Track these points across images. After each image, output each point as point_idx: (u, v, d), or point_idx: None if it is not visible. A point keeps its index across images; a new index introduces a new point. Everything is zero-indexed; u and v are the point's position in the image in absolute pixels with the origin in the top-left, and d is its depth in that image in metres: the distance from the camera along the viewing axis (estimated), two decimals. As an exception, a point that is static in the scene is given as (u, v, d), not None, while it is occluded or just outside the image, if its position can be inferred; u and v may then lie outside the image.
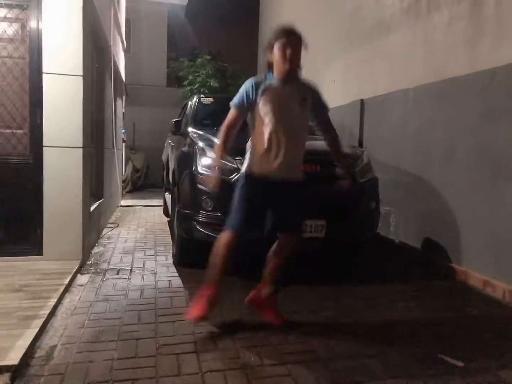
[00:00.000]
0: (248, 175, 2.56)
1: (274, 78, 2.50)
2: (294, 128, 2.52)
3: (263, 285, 2.71)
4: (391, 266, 4.22)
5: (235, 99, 2.54)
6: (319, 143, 4.15)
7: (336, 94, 6.72)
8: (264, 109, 2.45)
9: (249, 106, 2.50)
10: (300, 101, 2.51)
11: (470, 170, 3.74)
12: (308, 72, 8.65)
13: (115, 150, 6.32)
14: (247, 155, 2.62)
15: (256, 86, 2.48)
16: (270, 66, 2.52)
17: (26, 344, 2.16)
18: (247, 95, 2.49)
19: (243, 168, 2.62)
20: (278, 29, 2.49)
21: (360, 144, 5.68)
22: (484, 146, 3.60)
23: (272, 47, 2.46)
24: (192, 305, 2.58)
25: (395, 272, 4.01)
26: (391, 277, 3.80)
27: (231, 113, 2.57)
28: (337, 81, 6.76)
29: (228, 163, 3.29)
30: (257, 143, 2.53)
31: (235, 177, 3.23)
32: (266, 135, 2.46)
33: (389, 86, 5.12)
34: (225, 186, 2.96)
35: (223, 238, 2.55)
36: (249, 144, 2.63)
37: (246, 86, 2.52)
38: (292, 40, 2.43)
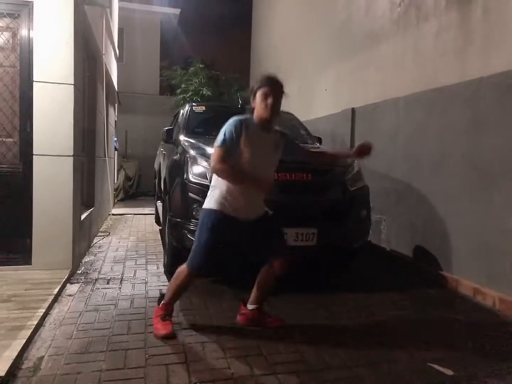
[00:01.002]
0: (218, 212, 2.46)
1: (254, 122, 2.51)
2: (266, 171, 2.55)
3: (252, 299, 2.76)
4: (382, 274, 4.23)
5: (222, 139, 2.39)
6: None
7: (327, 103, 6.78)
8: (243, 150, 2.42)
9: (235, 145, 2.41)
10: (274, 147, 2.58)
11: (460, 178, 3.78)
12: (300, 81, 8.77)
13: (107, 158, 6.30)
14: (214, 191, 2.52)
15: (241, 125, 2.42)
16: (252, 110, 2.53)
17: (13, 355, 2.13)
18: (236, 135, 2.39)
19: (209, 204, 2.51)
20: (261, 77, 2.53)
21: (352, 152, 5.71)
22: (473, 154, 3.64)
23: (255, 93, 2.49)
24: (155, 325, 2.61)
25: (386, 280, 4.01)
26: (382, 285, 3.81)
27: (220, 154, 2.39)
28: (329, 90, 6.82)
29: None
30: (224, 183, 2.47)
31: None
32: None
33: (380, 95, 5.17)
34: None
35: (182, 272, 2.59)
36: (216, 179, 2.52)
37: (233, 125, 2.42)
38: (274, 89, 2.46)
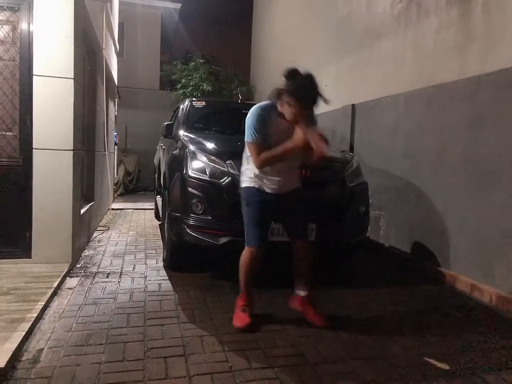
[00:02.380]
0: (255, 189, 2.65)
1: (276, 111, 2.57)
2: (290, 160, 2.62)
3: (296, 284, 2.86)
4: (381, 270, 4.25)
5: (252, 134, 2.54)
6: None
7: (328, 99, 6.76)
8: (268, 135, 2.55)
9: (263, 135, 2.55)
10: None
11: (459, 175, 3.79)
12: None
13: (107, 153, 6.30)
14: (247, 172, 2.69)
15: (264, 112, 2.56)
16: (279, 96, 2.53)
17: (13, 347, 2.15)
18: (261, 126, 2.53)
19: (246, 183, 2.69)
20: (300, 83, 2.47)
21: (351, 148, 5.72)
22: (472, 152, 3.65)
23: (292, 95, 2.44)
24: (234, 316, 2.71)
25: (384, 276, 4.03)
26: (380, 281, 3.83)
27: (255, 149, 2.55)
28: (329, 86, 6.79)
29: (219, 167, 3.31)
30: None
31: (226, 181, 3.25)
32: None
33: (380, 91, 5.17)
34: (216, 189, 2.98)
35: (244, 255, 2.69)
36: (247, 160, 2.69)
37: (259, 114, 2.55)
38: (309, 108, 2.49)
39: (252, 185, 2.66)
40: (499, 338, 2.67)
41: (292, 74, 2.48)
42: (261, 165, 2.55)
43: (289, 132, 2.50)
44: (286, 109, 2.50)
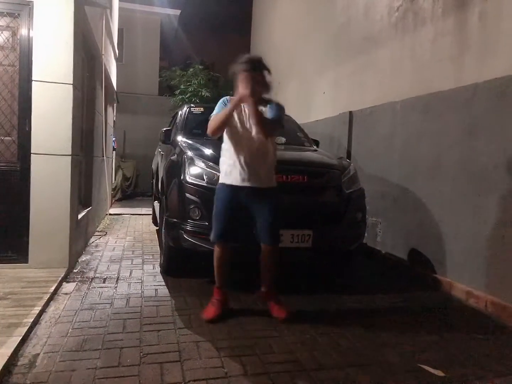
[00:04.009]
0: (221, 185, 2.90)
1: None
2: (253, 142, 2.82)
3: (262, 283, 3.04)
4: (377, 277, 4.26)
5: (215, 112, 2.91)
6: (305, 154, 4.23)
7: (325, 106, 6.81)
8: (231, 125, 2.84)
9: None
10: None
11: (455, 182, 3.81)
12: (298, 83, 8.80)
13: (105, 158, 6.32)
14: (220, 165, 2.96)
15: (225, 102, 2.91)
16: (235, 79, 2.84)
17: (8, 352, 2.15)
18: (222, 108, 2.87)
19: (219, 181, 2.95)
20: (242, 59, 2.79)
21: (349, 155, 5.75)
22: (467, 159, 3.67)
23: (239, 66, 2.77)
24: (206, 308, 2.92)
25: (380, 283, 4.04)
26: (377, 288, 3.83)
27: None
28: (327, 93, 6.85)
29: (216, 173, 3.31)
30: (225, 155, 2.91)
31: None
32: (232, 148, 2.84)
33: (377, 98, 5.20)
34: (213, 195, 2.99)
35: (215, 250, 2.91)
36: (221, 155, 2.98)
37: (220, 102, 2.95)
38: (253, 75, 2.73)
39: (222, 182, 2.88)
40: (494, 345, 2.68)
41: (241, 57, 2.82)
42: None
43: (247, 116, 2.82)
44: (239, 89, 2.75)
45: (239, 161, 2.79)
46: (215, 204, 2.90)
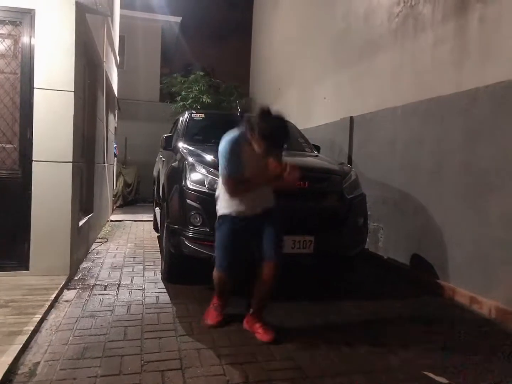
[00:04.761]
0: (226, 216, 2.73)
1: (245, 141, 2.62)
2: (261, 175, 2.64)
3: (251, 303, 2.83)
4: (379, 283, 4.24)
5: (225, 168, 2.60)
6: (307, 160, 4.22)
7: (326, 111, 6.82)
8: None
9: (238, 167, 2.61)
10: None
11: (456, 187, 3.80)
12: (299, 89, 8.81)
13: (106, 164, 6.32)
14: (220, 199, 2.78)
15: (236, 145, 2.60)
16: (251, 129, 2.57)
17: (9, 360, 2.14)
18: (234, 158, 2.59)
19: (219, 212, 2.78)
20: (268, 122, 2.52)
21: (350, 160, 5.74)
22: (469, 164, 3.66)
23: (262, 139, 2.50)
24: (206, 312, 2.93)
25: (383, 288, 4.02)
26: (379, 293, 3.82)
27: (229, 181, 2.64)
28: (328, 99, 6.86)
29: (215, 178, 3.30)
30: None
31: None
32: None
33: (378, 104, 5.21)
34: (214, 202, 2.98)
35: (215, 275, 2.81)
36: (220, 187, 2.78)
37: (232, 148, 2.59)
38: (276, 146, 2.55)
39: (224, 212, 2.73)
40: (498, 352, 2.66)
41: (264, 115, 2.55)
42: (235, 196, 2.66)
43: (260, 159, 2.58)
44: (256, 143, 2.56)
45: (247, 198, 2.68)
46: (219, 234, 2.75)
